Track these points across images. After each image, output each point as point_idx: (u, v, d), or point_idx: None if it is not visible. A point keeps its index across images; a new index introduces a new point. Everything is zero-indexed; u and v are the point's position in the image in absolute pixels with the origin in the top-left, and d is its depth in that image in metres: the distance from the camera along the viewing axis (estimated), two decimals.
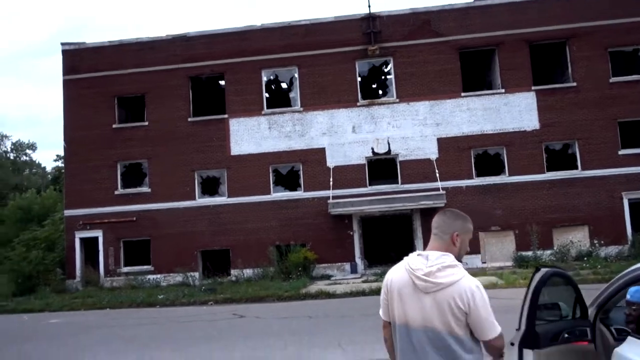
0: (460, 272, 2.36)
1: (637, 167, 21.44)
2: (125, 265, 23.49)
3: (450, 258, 2.39)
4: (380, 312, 2.57)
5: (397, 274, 2.49)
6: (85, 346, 10.68)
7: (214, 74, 24.06)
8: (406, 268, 2.43)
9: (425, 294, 2.35)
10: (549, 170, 22.04)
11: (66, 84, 24.57)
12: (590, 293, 3.73)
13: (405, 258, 2.50)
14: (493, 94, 22.61)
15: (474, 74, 24.83)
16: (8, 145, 56.41)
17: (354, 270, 21.93)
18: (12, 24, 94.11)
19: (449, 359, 2.36)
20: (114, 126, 24.10)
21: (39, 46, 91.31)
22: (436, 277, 2.33)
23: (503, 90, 22.46)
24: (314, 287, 17.99)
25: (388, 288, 2.51)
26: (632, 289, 3.03)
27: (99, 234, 23.49)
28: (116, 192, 23.72)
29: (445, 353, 2.36)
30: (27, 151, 58.19)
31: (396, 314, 2.46)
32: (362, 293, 16.09)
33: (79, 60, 24.53)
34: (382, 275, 18.11)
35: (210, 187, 23.98)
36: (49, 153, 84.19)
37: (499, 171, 22.46)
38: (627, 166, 21.46)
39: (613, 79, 22.03)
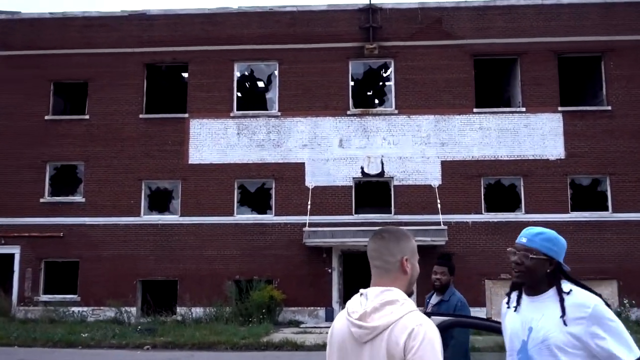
0: (402, 309, 2.19)
1: None
2: (46, 292, 22.81)
3: (393, 293, 2.24)
4: None
5: (338, 322, 2.37)
6: None
7: (175, 62, 24.00)
8: (344, 312, 2.33)
9: (363, 344, 2.20)
10: (573, 209, 21.95)
11: None
12: None
13: (349, 301, 2.38)
14: (511, 112, 22.70)
15: (490, 87, 25.04)
16: None
17: (329, 317, 21.44)
18: None
19: None
20: (46, 117, 23.70)
21: None
22: (371, 320, 2.19)
23: (524, 109, 22.54)
24: (279, 336, 17.57)
25: (330, 342, 2.38)
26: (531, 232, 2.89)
27: (15, 250, 22.84)
28: (42, 200, 23.19)
29: None
30: None
31: None
32: None
33: (11, 34, 24.20)
34: None
35: (159, 201, 23.70)
36: None
37: (513, 206, 22.36)
38: None
39: None
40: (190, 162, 22.95)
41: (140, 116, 23.43)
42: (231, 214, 22.58)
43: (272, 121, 23.04)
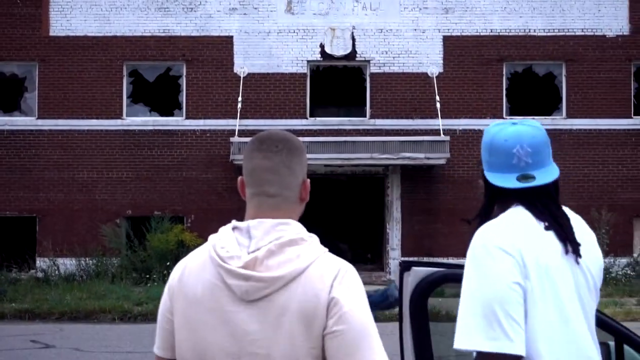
0: (312, 250, 2.16)
1: None
2: None
3: (292, 228, 2.19)
4: (155, 347, 2.39)
5: (193, 267, 2.24)
6: None
7: None
8: (211, 256, 2.18)
9: (249, 304, 2.14)
10: (638, 112, 22.21)
11: None
12: None
13: (212, 236, 2.25)
14: None
15: None
16: None
17: None
18: None
19: None
20: None
21: None
22: (268, 269, 2.12)
23: None
24: None
25: (173, 296, 2.26)
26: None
27: None
28: None
29: None
30: None
31: (187, 348, 2.23)
32: None
33: None
34: None
35: (5, 96, 23.41)
36: None
37: (550, 107, 22.63)
38: None
39: None
40: (52, 33, 22.61)
41: None
42: (118, 116, 22.56)
43: None
